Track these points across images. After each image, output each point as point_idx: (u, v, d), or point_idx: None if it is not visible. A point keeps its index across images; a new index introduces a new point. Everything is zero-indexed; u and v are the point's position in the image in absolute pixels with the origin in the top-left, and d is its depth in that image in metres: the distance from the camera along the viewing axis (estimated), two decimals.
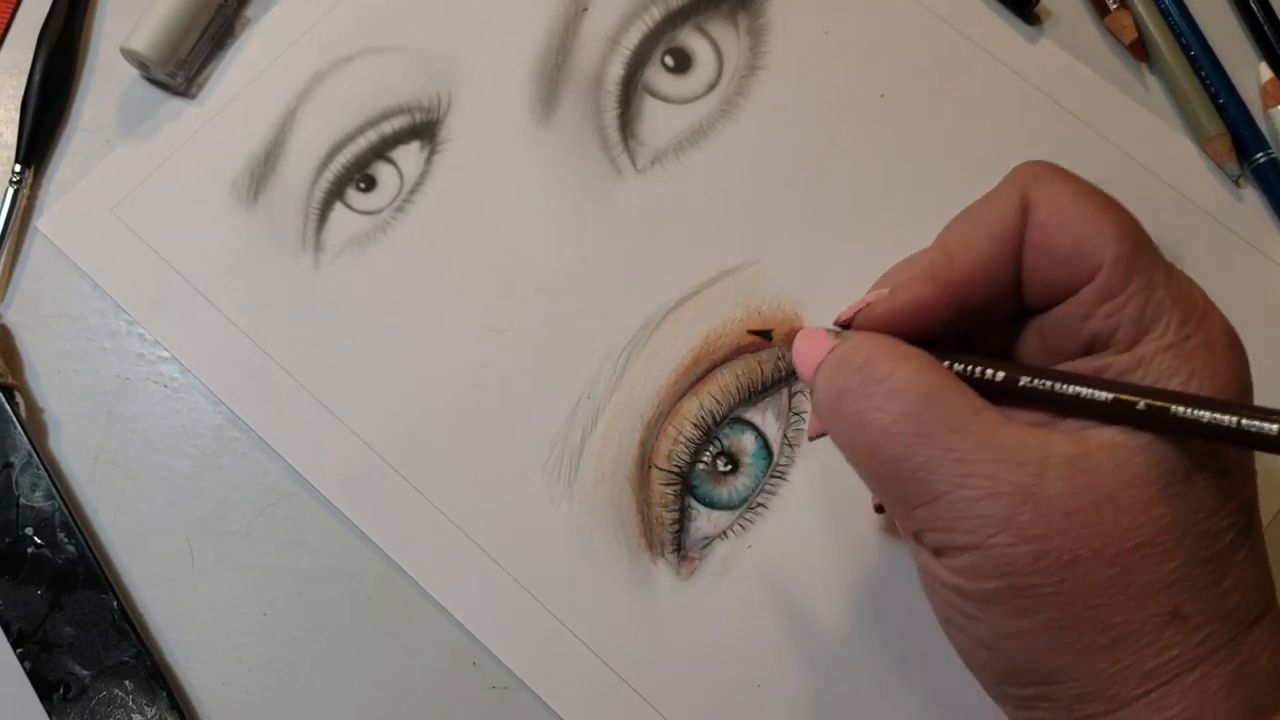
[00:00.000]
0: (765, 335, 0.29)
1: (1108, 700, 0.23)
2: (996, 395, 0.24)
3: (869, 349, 0.25)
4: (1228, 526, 0.22)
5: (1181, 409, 0.22)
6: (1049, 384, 0.24)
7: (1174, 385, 0.22)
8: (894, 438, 0.23)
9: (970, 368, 0.24)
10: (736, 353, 0.34)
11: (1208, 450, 0.22)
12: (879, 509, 0.30)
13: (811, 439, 0.29)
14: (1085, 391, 0.23)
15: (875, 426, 0.24)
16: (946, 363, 0.25)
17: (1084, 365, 0.24)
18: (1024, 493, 0.22)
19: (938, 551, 0.24)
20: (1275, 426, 0.21)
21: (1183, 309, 0.23)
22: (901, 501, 0.24)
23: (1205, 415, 0.21)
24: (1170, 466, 0.22)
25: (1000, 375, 0.24)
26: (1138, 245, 0.23)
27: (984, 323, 0.26)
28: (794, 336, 0.27)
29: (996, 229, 0.25)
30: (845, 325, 0.27)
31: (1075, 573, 0.22)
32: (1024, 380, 0.24)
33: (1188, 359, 0.23)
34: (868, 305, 0.26)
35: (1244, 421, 0.21)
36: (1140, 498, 0.22)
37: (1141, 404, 0.22)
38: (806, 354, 0.26)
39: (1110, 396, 0.22)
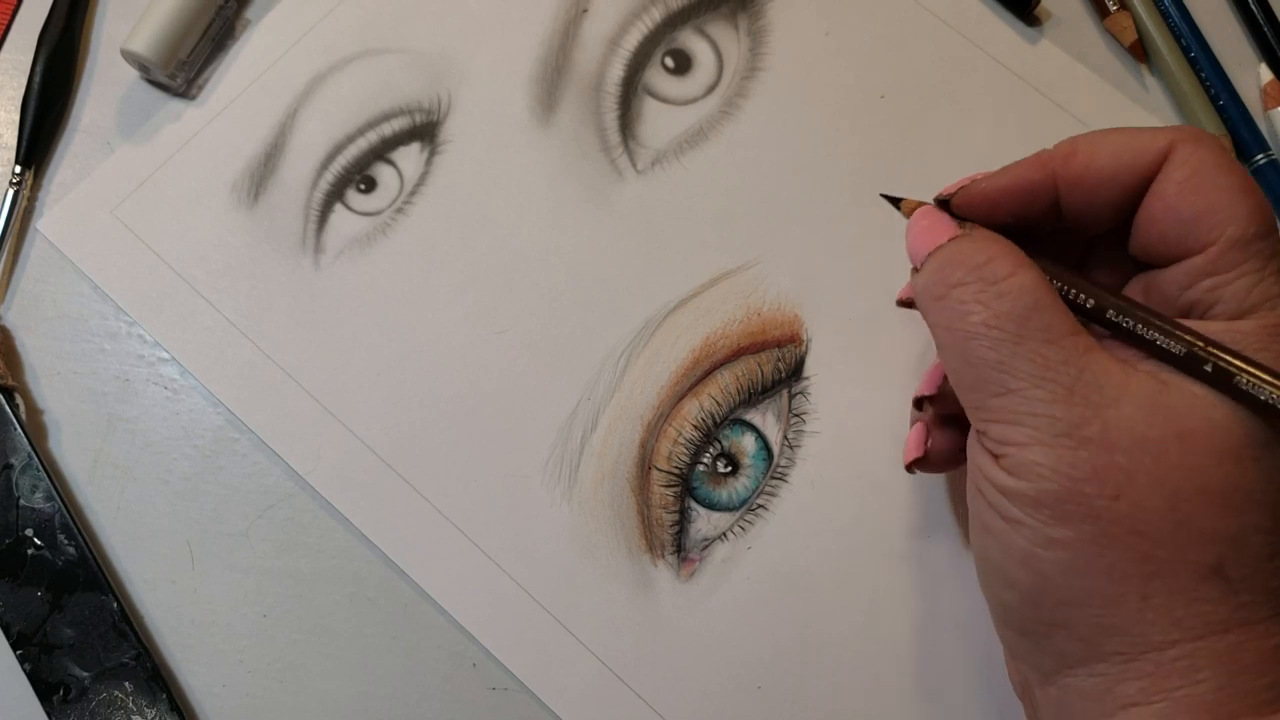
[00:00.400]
0: (895, 202, 0.30)
1: (1132, 640, 0.23)
2: (1087, 323, 0.25)
3: (994, 250, 0.25)
4: None
5: (1245, 380, 0.22)
6: (1132, 323, 0.24)
7: (1262, 360, 0.23)
8: (991, 331, 0.24)
9: (1068, 288, 0.25)
10: (737, 354, 0.34)
11: None
12: (918, 404, 0.31)
13: (899, 303, 0.30)
14: (1162, 339, 0.24)
15: (977, 318, 0.24)
16: (1050, 279, 0.25)
17: (1182, 323, 0.24)
18: (1097, 407, 0.23)
19: (997, 453, 0.24)
20: None
21: None
22: (978, 389, 0.25)
23: (1264, 393, 0.22)
24: (1250, 429, 0.22)
25: (1091, 302, 0.25)
26: (1262, 232, 0.24)
27: (1080, 241, 0.27)
28: (962, 200, 0.28)
29: (1126, 156, 0.25)
30: (946, 200, 0.28)
31: (1129, 492, 0.22)
32: (1111, 312, 0.25)
33: None
34: (973, 181, 0.27)
35: None
36: (1213, 447, 0.22)
37: (1210, 366, 0.23)
38: (922, 236, 0.27)
39: (1183, 350, 0.23)
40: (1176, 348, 0.23)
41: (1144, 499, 0.22)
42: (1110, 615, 0.23)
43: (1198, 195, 0.24)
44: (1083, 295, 0.25)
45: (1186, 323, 0.24)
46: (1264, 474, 0.22)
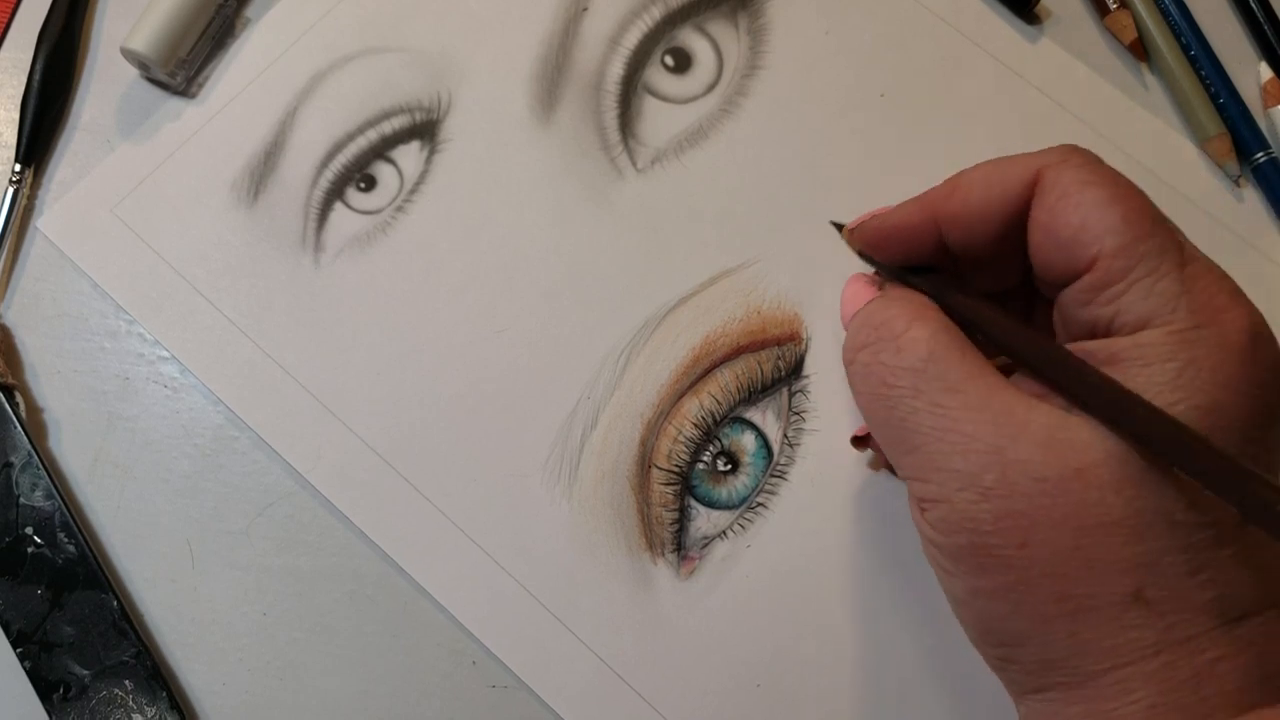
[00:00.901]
0: (838, 227, 0.31)
1: (1070, 672, 0.23)
2: (1011, 364, 0.25)
3: (895, 309, 0.26)
4: (1213, 521, 0.22)
5: (1078, 399, 0.22)
6: (1006, 345, 0.24)
7: (1166, 371, 0.22)
8: (892, 388, 0.25)
9: (963, 316, 0.26)
10: (736, 352, 0.34)
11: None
12: (856, 443, 0.32)
13: (853, 442, 0.33)
14: (1036, 364, 0.24)
15: (877, 376, 0.25)
16: (961, 316, 0.26)
17: (1087, 346, 0.24)
18: (995, 452, 0.23)
19: (920, 506, 0.25)
20: (1148, 446, 0.20)
21: (1196, 299, 0.23)
22: (893, 448, 0.25)
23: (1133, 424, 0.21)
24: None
25: (979, 337, 0.25)
26: (1144, 235, 0.23)
27: (1000, 281, 0.27)
28: (856, 239, 0.29)
29: (997, 189, 0.25)
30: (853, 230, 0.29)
31: (1035, 538, 0.22)
32: (983, 337, 0.25)
33: (1188, 347, 0.22)
34: (871, 217, 0.28)
35: (1120, 420, 0.21)
36: (1113, 476, 0.22)
37: (1068, 397, 0.23)
38: (847, 306, 0.29)
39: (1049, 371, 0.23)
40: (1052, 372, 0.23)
41: (1051, 541, 0.22)
42: (1047, 651, 0.23)
43: (1069, 215, 0.24)
44: (982, 332, 0.25)
45: (1083, 346, 0.24)
46: (1169, 493, 0.22)
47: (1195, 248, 0.25)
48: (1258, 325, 0.23)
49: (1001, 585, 0.23)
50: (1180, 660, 0.22)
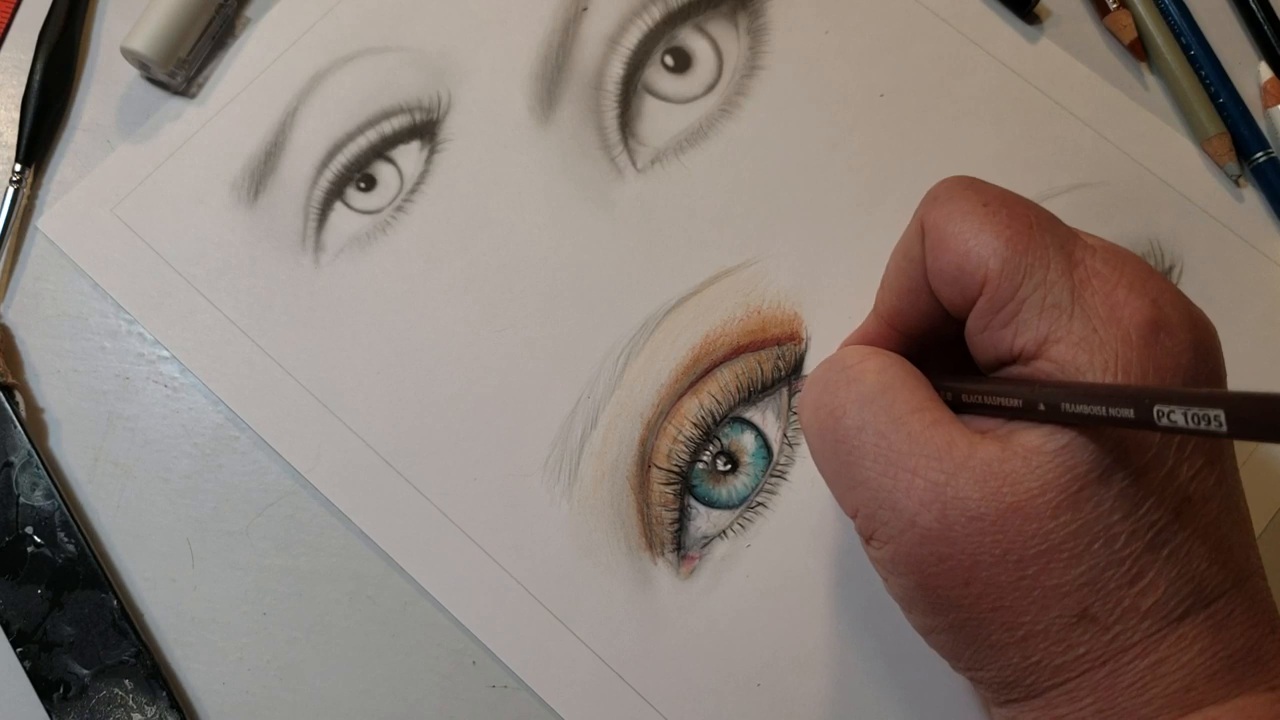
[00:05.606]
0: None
1: (1024, 689, 0.24)
2: (964, 407, 0.25)
3: (849, 350, 0.27)
4: (1149, 524, 0.22)
5: (1044, 404, 0.22)
6: (979, 397, 0.24)
7: (1088, 380, 0.22)
8: (839, 420, 0.25)
9: (943, 385, 0.26)
10: (736, 352, 0.34)
11: (1125, 447, 0.22)
12: None
13: None
14: (995, 399, 0.24)
15: (826, 408, 0.25)
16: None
17: (1014, 372, 0.24)
18: (935, 491, 0.23)
19: (867, 543, 0.25)
20: (1130, 411, 0.20)
21: (1090, 303, 0.23)
22: (838, 483, 0.25)
23: (1084, 409, 0.21)
24: (1085, 469, 0.22)
25: (948, 395, 0.25)
26: (1024, 247, 0.23)
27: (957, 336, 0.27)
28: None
29: (904, 261, 0.26)
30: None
31: (978, 576, 0.23)
32: (964, 395, 0.25)
33: (1099, 351, 0.22)
34: (843, 345, 0.30)
35: (1110, 410, 0.20)
36: (1049, 504, 0.22)
37: (1041, 404, 0.22)
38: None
39: (1019, 402, 0.23)
40: (1013, 401, 0.23)
41: (994, 578, 0.22)
42: (1002, 674, 0.24)
43: (947, 252, 0.24)
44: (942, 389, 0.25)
45: (1008, 373, 0.24)
46: (1103, 508, 0.22)
47: (1091, 241, 0.24)
48: (1161, 313, 0.23)
49: (952, 622, 0.24)
50: (1124, 667, 0.22)
